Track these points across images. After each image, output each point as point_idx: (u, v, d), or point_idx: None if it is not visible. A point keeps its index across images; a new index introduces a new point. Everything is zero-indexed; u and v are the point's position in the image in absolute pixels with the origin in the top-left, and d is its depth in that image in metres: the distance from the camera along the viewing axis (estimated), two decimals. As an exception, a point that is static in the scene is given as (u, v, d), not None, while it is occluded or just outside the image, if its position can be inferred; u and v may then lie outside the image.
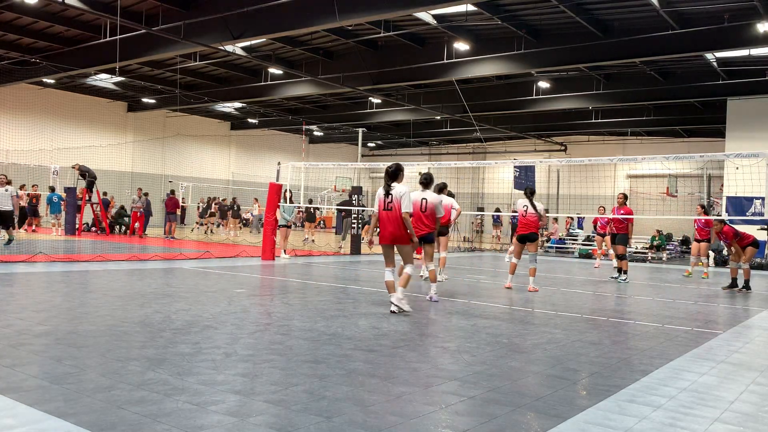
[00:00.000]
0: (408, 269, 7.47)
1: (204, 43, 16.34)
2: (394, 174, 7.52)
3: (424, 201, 8.65)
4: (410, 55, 19.02)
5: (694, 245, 15.18)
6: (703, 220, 14.20)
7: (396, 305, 7.23)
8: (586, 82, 21.72)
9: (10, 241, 14.00)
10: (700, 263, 14.95)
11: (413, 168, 34.18)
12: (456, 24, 16.62)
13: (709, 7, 14.24)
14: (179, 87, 24.42)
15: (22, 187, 20.89)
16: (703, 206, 14.71)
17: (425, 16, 15.88)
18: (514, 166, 21.51)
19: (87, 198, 21.17)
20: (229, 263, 13.26)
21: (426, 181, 8.73)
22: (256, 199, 27.03)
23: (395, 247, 7.52)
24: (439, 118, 28.43)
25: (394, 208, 7.36)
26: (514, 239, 10.80)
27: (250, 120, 33.17)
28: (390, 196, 7.40)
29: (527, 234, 10.35)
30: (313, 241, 22.07)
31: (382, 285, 10.38)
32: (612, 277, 13.36)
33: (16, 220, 19.47)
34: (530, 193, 10.49)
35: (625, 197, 13.02)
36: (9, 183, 14.99)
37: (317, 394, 3.96)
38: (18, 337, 5.21)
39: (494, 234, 29.16)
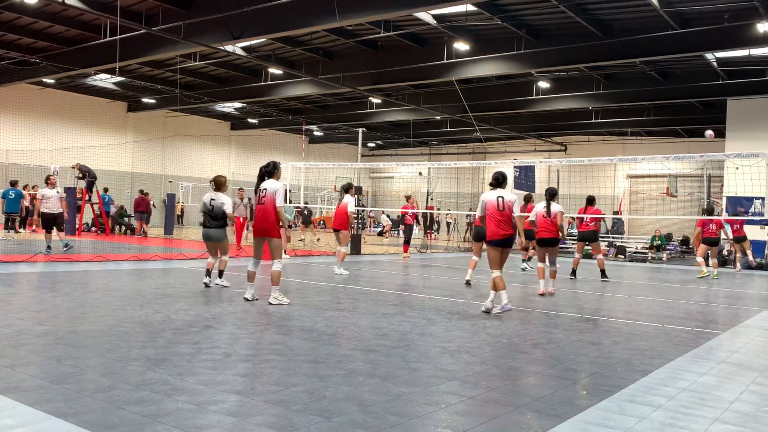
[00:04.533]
0: (276, 266, 7.57)
1: (204, 43, 16.35)
2: (270, 173, 7.70)
3: (500, 199, 7.68)
4: (410, 55, 19.03)
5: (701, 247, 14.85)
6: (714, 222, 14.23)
7: (271, 302, 7.52)
8: (586, 82, 21.73)
9: (66, 245, 13.21)
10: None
11: (413, 168, 34.35)
12: (456, 24, 16.62)
13: (709, 7, 14.25)
14: (179, 87, 24.42)
15: (25, 187, 20.90)
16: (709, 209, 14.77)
17: (425, 16, 15.89)
18: (514, 166, 21.51)
19: (87, 198, 21.21)
20: (229, 263, 13.24)
21: (498, 180, 7.85)
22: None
23: (266, 241, 7.62)
24: (439, 118, 28.44)
25: (266, 202, 7.52)
26: (535, 243, 10.24)
27: (250, 120, 33.17)
28: (264, 190, 7.57)
29: (548, 239, 9.89)
30: (318, 240, 22.11)
31: (383, 285, 10.41)
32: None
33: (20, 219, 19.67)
34: (550, 196, 9.98)
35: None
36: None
37: (317, 394, 3.96)
38: (18, 337, 5.21)
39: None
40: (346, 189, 12.21)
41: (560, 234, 9.97)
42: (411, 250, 18.72)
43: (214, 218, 9.03)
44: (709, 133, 13.30)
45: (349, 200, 12.04)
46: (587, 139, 32.19)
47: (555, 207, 9.89)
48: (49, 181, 13.52)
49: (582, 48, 16.47)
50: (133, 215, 23.21)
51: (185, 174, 31.59)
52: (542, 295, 9.65)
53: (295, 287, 9.56)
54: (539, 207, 10.06)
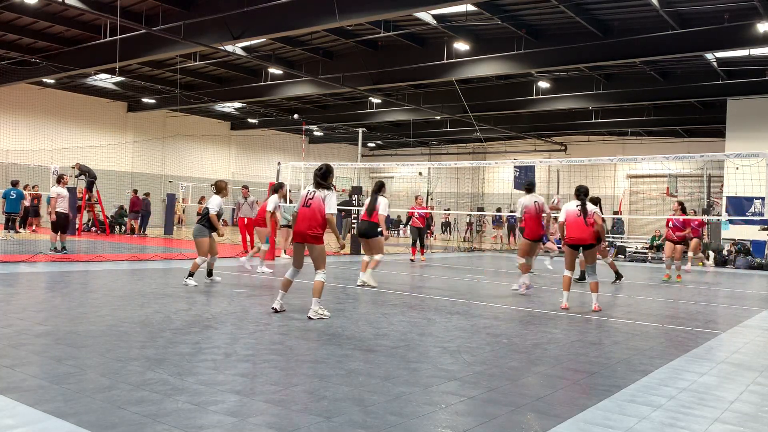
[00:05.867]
0: (319, 276, 6.93)
1: (204, 43, 16.34)
2: (324, 177, 7.13)
3: (536, 204, 9.80)
4: (410, 55, 19.02)
5: (668, 246, 13.56)
6: (681, 220, 13.30)
7: (311, 316, 6.81)
8: (586, 82, 21.72)
9: (63, 248, 13.06)
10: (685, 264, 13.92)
11: (413, 168, 34.33)
12: (456, 24, 16.62)
13: (709, 7, 14.25)
14: (179, 87, 24.41)
15: (25, 187, 20.91)
16: (681, 203, 13.64)
17: (425, 16, 15.88)
18: (514, 166, 21.52)
19: (87, 198, 21.25)
20: (229, 263, 13.25)
21: (531, 186, 9.97)
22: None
23: (306, 248, 7.05)
24: (439, 118, 28.43)
25: (312, 206, 6.95)
26: (565, 246, 8.77)
27: (250, 120, 33.17)
28: (313, 193, 7.02)
29: (584, 243, 8.44)
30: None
31: (382, 285, 10.39)
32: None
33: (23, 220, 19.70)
34: (585, 194, 8.60)
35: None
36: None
37: (317, 394, 3.96)
38: (18, 337, 5.21)
39: (496, 234, 29.18)
40: (275, 189, 11.80)
41: (598, 237, 8.90)
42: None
43: (201, 216, 9.59)
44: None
45: (270, 199, 11.50)
46: (587, 139, 32.17)
47: (590, 207, 8.61)
48: (62, 181, 13.51)
49: (582, 48, 16.46)
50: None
51: (185, 174, 31.57)
52: (565, 308, 8.30)
53: (294, 287, 9.55)
54: (571, 206, 8.63)
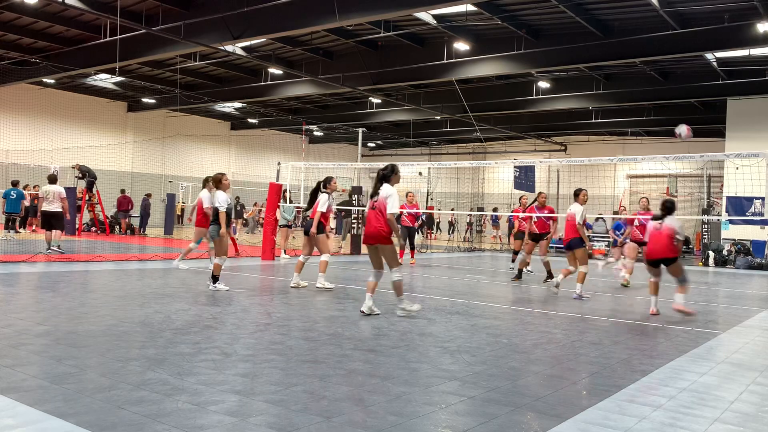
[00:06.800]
0: (395, 275, 7.09)
1: (204, 43, 16.35)
2: (387, 177, 7.21)
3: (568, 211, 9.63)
4: (410, 55, 19.03)
5: (632, 248, 11.86)
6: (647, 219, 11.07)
7: (367, 309, 7.11)
8: (586, 82, 21.73)
9: (50, 246, 12.96)
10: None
11: (413, 168, 34.33)
12: (456, 24, 16.63)
13: (709, 7, 14.25)
14: (179, 87, 24.42)
15: (25, 187, 20.92)
16: (647, 200, 12.24)
17: (425, 16, 15.89)
18: (514, 166, 21.53)
19: (87, 198, 21.26)
20: (228, 263, 13.24)
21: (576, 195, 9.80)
22: (256, 203, 27.17)
23: (378, 249, 7.19)
24: (439, 118, 28.44)
25: (377, 207, 7.09)
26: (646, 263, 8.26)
27: (250, 120, 33.17)
28: (377, 195, 7.14)
29: (664, 258, 8.01)
30: (294, 238, 22.03)
31: (382, 285, 10.35)
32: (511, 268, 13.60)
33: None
34: (667, 209, 8.15)
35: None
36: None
37: (317, 394, 3.96)
38: (18, 337, 5.21)
39: (494, 234, 29.18)
40: (203, 184, 10.80)
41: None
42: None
43: (213, 215, 8.98)
44: (683, 131, 11.56)
45: (203, 195, 10.67)
46: (587, 139, 32.18)
47: (670, 220, 8.04)
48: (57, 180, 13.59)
49: (582, 48, 16.47)
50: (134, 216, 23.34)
51: (185, 174, 31.58)
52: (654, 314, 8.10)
53: (296, 287, 9.55)
54: (653, 222, 8.22)
